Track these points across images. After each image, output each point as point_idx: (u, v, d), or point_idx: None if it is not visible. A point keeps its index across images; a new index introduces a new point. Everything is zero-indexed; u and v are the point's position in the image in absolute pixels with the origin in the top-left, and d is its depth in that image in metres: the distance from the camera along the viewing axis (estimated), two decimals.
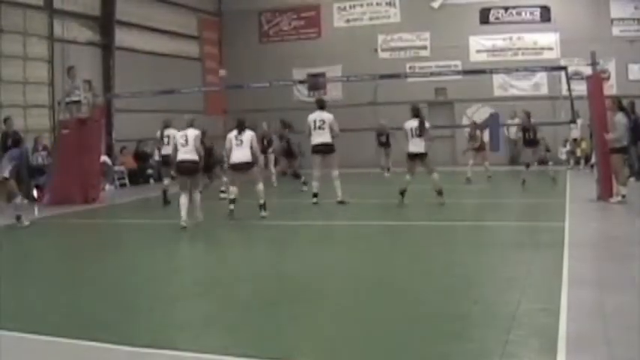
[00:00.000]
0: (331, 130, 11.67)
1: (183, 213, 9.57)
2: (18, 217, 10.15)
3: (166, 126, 12.58)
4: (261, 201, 10.43)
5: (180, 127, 10.43)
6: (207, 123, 16.06)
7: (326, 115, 11.78)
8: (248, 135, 10.33)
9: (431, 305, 5.15)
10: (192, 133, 9.91)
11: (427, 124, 11.32)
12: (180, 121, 10.44)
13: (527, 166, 14.19)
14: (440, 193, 11.20)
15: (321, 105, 12.04)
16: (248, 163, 10.27)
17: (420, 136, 11.16)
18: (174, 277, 6.76)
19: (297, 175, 14.99)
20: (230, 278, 6.62)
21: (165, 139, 12.40)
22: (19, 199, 10.29)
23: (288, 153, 15.83)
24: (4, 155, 10.70)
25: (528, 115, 14.50)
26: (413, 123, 11.27)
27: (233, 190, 10.53)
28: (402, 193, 11.30)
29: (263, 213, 10.37)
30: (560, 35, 20.30)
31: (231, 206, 10.37)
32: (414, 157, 11.26)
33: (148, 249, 8.48)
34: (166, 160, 12.22)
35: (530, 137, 14.21)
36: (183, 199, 9.70)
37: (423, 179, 11.52)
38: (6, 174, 10.11)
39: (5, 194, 10.22)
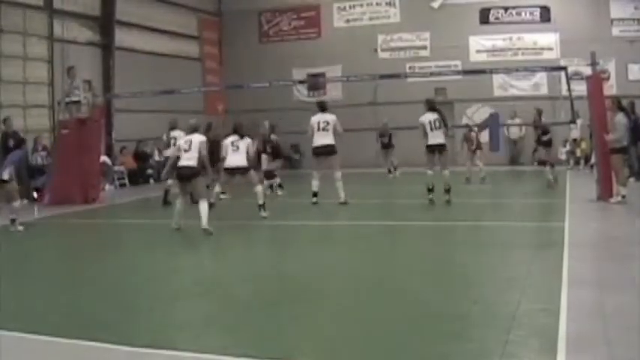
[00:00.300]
0: (335, 130, 11.69)
1: (176, 219, 9.49)
2: (13, 221, 10.12)
3: (173, 127, 12.51)
4: (261, 201, 10.43)
5: (184, 128, 10.37)
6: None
7: (329, 117, 11.81)
8: (245, 142, 10.34)
9: (431, 305, 5.15)
10: (197, 139, 9.58)
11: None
12: (185, 122, 10.37)
13: (545, 164, 14.13)
14: (448, 191, 11.22)
15: (322, 107, 12.04)
16: (244, 168, 10.29)
17: (439, 128, 11.19)
18: (174, 277, 6.75)
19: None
20: (230, 278, 6.62)
21: (172, 141, 12.10)
22: (17, 203, 10.26)
23: (275, 155, 15.87)
24: (5, 157, 10.67)
25: (540, 112, 14.34)
26: (430, 116, 11.26)
27: (216, 191, 10.48)
28: (430, 190, 11.23)
29: (263, 213, 10.37)
30: (560, 35, 20.27)
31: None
32: (433, 149, 11.24)
33: (148, 249, 8.47)
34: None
35: (542, 137, 14.02)
36: (179, 204, 9.62)
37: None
38: (5, 176, 10.09)
39: (4, 196, 10.19)
